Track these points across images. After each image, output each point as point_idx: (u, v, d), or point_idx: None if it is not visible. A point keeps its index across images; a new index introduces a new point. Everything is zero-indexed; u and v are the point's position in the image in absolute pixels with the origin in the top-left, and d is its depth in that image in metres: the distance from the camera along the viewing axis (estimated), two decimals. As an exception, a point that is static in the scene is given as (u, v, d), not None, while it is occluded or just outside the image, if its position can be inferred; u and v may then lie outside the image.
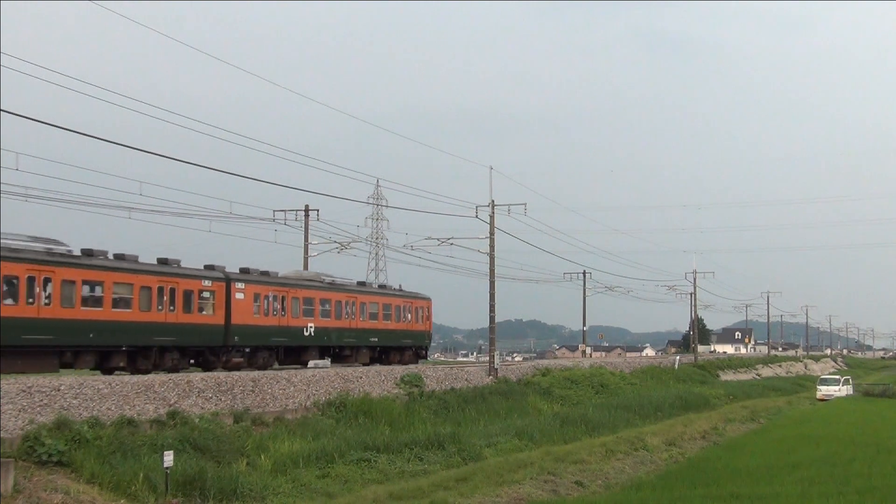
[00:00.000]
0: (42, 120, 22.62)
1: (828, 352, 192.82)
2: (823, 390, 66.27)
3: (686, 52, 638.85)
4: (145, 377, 26.26)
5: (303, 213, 47.99)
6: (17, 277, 25.75)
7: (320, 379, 32.30)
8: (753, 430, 40.20)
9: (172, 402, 25.38)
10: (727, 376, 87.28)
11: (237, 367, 33.88)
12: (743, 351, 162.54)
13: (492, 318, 47.27)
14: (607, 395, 50.21)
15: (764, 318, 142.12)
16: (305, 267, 47.10)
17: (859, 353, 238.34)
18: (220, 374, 28.90)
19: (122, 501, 19.48)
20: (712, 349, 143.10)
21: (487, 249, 46.50)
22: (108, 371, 29.56)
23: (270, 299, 36.10)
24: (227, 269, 34.95)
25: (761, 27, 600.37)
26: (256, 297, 35.34)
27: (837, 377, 74.13)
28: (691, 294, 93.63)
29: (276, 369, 34.88)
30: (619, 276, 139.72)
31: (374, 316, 43.49)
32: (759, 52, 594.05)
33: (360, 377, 34.66)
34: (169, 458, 20.18)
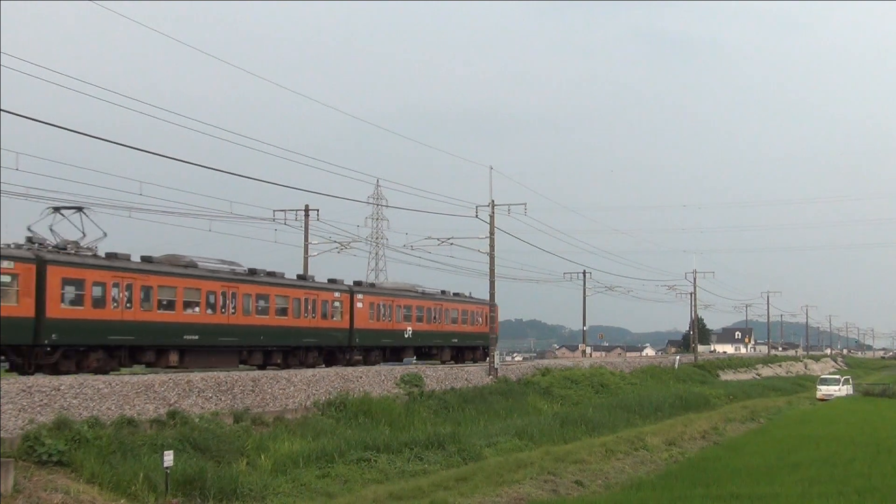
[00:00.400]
0: (42, 120, 22.63)
1: (828, 352, 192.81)
2: (823, 390, 66.28)
3: (686, 52, 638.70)
4: (145, 377, 26.28)
5: (303, 212, 47.99)
6: (214, 293, 32.62)
7: (320, 379, 32.31)
8: (753, 430, 40.20)
9: (172, 401, 25.38)
10: (727, 376, 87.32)
11: (356, 364, 40.88)
12: (743, 351, 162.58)
13: (492, 318, 47.29)
14: (607, 394, 50.23)
15: (764, 318, 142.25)
16: (305, 267, 47.15)
17: (859, 353, 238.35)
18: (220, 374, 28.91)
19: (122, 501, 19.48)
20: (712, 349, 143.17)
21: (487, 249, 46.51)
22: (263, 367, 35.31)
23: (381, 307, 43.67)
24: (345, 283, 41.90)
25: (761, 27, 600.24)
26: (371, 305, 42.64)
27: (837, 377, 74.14)
28: (691, 294, 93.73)
29: (275, 369, 34.88)
30: (619, 276, 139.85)
31: (454, 320, 50.93)
32: (759, 52, 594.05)
33: (360, 377, 34.67)
34: (169, 457, 20.18)
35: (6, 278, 25.51)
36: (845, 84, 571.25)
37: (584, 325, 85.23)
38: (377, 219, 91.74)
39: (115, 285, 28.59)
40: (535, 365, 52.07)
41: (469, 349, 52.17)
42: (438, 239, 48.20)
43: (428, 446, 27.85)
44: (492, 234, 46.27)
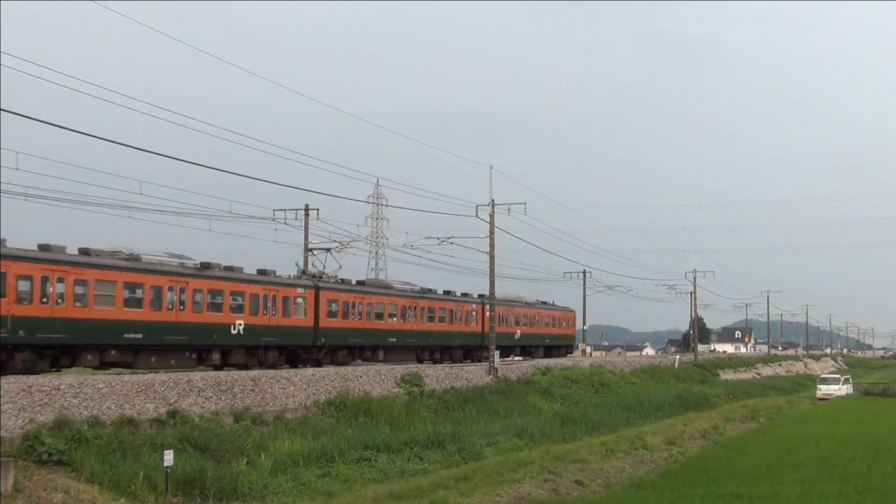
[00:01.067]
0: (42, 119, 22.62)
1: (828, 351, 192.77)
2: (823, 389, 66.28)
3: (686, 52, 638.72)
4: (145, 376, 26.27)
5: (303, 212, 47.96)
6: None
7: (320, 378, 32.30)
8: (753, 430, 40.20)
9: (172, 401, 25.38)
10: (727, 375, 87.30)
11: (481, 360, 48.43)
12: (743, 350, 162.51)
13: (492, 318, 47.28)
14: (607, 394, 50.21)
15: (764, 318, 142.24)
16: (305, 266, 47.13)
17: (859, 353, 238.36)
18: (220, 374, 28.91)
19: (122, 501, 19.48)
20: (712, 348, 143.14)
21: (487, 249, 46.50)
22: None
23: (510, 318, 56.15)
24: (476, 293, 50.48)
25: (761, 27, 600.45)
26: (503, 315, 54.02)
27: (837, 376, 74.14)
28: (691, 293, 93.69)
29: (279, 369, 34.87)
30: (619, 276, 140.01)
31: (547, 324, 64.01)
32: (759, 52, 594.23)
33: (360, 376, 34.66)
34: (169, 457, 20.18)
35: None
36: (845, 84, 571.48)
37: (584, 324, 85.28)
38: (377, 218, 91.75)
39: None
40: (535, 364, 52.10)
41: (556, 348, 65.90)
42: (438, 238, 48.14)
43: (428, 446, 27.85)
44: (492, 233, 46.25)
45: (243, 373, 30.26)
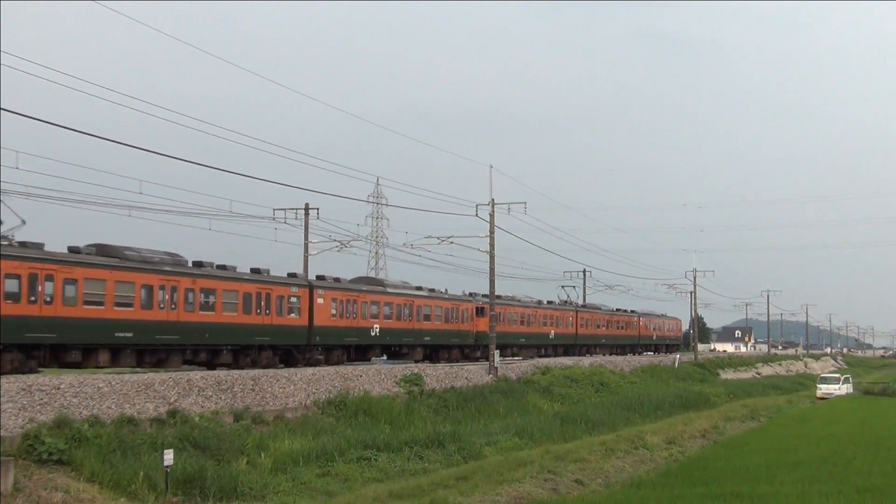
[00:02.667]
0: (42, 119, 22.63)
1: (828, 350, 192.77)
2: (823, 389, 66.27)
3: (686, 52, 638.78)
4: (145, 376, 26.27)
5: (303, 211, 47.96)
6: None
7: (320, 378, 32.31)
8: (753, 429, 40.18)
9: (172, 400, 25.38)
10: (727, 375, 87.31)
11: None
12: (743, 349, 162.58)
13: (492, 317, 47.27)
14: (607, 393, 50.20)
15: (764, 317, 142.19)
16: (305, 265, 47.15)
17: (859, 352, 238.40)
18: (220, 373, 28.91)
19: (122, 500, 19.48)
20: (712, 348, 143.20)
21: (487, 248, 46.49)
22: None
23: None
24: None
25: (761, 27, 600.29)
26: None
27: (837, 376, 74.14)
28: (691, 293, 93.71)
29: (277, 368, 34.85)
30: (619, 275, 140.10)
31: (657, 328, 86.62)
32: (759, 52, 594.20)
33: (360, 376, 34.67)
34: (169, 456, 20.18)
35: None
36: (845, 84, 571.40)
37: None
38: (377, 217, 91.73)
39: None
40: (535, 364, 52.10)
41: (664, 346, 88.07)
42: (438, 238, 48.17)
43: (428, 445, 27.85)
44: (492, 232, 46.25)
45: (243, 372, 30.27)
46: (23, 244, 26.31)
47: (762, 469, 24.41)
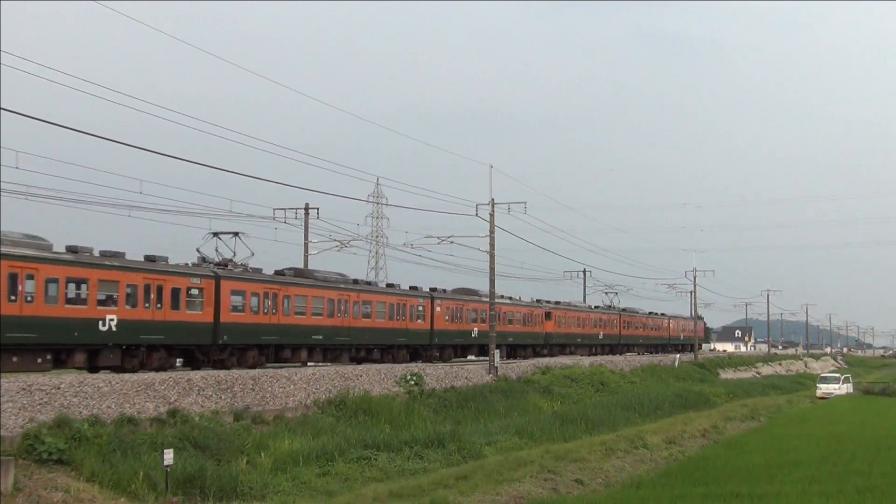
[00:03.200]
0: (42, 118, 22.63)
1: (828, 350, 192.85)
2: (823, 389, 66.30)
3: (686, 52, 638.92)
4: (145, 375, 26.28)
5: (303, 211, 47.97)
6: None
7: (320, 377, 32.31)
8: (753, 429, 40.21)
9: (172, 400, 25.38)
10: (727, 375, 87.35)
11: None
12: (743, 349, 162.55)
13: (492, 317, 47.29)
14: (607, 393, 50.20)
15: (764, 317, 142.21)
16: (306, 265, 47.15)
17: (859, 352, 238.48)
18: (221, 373, 28.91)
19: (122, 500, 19.49)
20: (712, 347, 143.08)
21: (487, 248, 46.50)
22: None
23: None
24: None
25: (761, 27, 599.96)
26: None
27: (837, 375, 74.18)
28: (691, 292, 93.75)
29: (271, 367, 34.86)
30: (619, 275, 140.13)
31: (682, 329, 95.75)
32: (759, 52, 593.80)
33: (360, 375, 34.67)
34: (169, 456, 20.18)
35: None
36: (845, 84, 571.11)
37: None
38: (377, 217, 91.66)
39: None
40: (535, 363, 52.11)
41: (689, 345, 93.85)
42: (438, 237, 48.19)
43: (428, 445, 27.84)
44: (492, 232, 46.25)
45: (243, 372, 30.27)
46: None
47: (762, 469, 24.42)
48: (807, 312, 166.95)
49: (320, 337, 38.35)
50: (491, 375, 44.62)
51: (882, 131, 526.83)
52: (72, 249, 28.08)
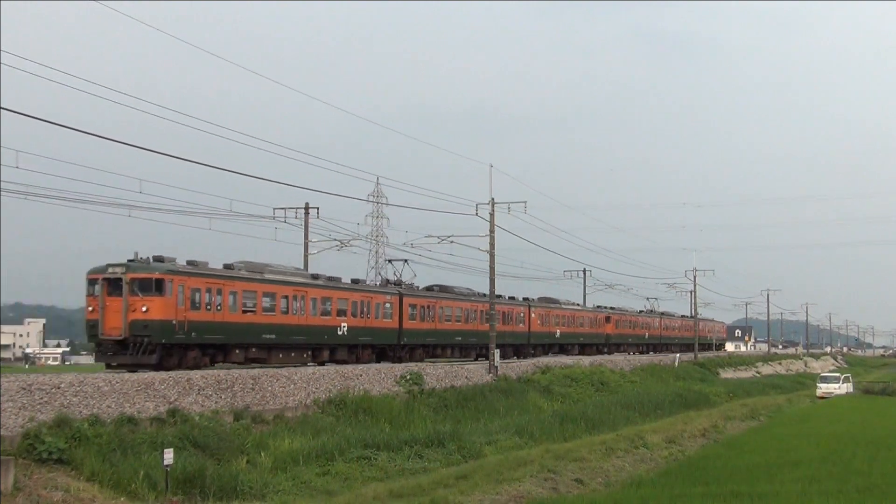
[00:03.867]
0: (42, 118, 22.62)
1: (828, 350, 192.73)
2: (823, 388, 66.27)
3: (686, 52, 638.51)
4: (145, 375, 26.28)
5: (303, 210, 47.95)
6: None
7: (320, 377, 32.31)
8: (753, 428, 40.21)
9: (172, 399, 25.38)
10: (727, 374, 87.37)
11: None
12: (743, 349, 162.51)
13: (492, 317, 47.29)
14: (607, 392, 50.21)
15: (764, 316, 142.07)
16: (306, 265, 47.15)
17: (859, 351, 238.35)
18: (221, 372, 28.91)
19: (122, 499, 19.49)
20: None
21: (487, 247, 46.49)
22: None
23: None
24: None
25: (761, 27, 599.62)
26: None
27: (837, 375, 74.14)
28: (691, 292, 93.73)
29: (273, 367, 34.86)
30: (619, 274, 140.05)
31: (710, 332, 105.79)
32: (759, 52, 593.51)
33: (360, 375, 34.67)
34: (169, 455, 20.18)
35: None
36: (845, 84, 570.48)
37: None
38: (377, 217, 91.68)
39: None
40: (535, 363, 52.13)
41: (709, 345, 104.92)
42: (438, 237, 48.18)
43: (428, 444, 27.84)
44: (492, 232, 46.23)
45: (243, 371, 30.28)
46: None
47: (762, 468, 24.41)
48: (807, 312, 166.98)
49: (459, 338, 50.00)
50: (491, 375, 44.61)
51: (882, 131, 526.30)
52: (315, 276, 39.71)
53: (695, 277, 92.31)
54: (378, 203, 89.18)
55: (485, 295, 49.81)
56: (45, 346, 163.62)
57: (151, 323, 29.40)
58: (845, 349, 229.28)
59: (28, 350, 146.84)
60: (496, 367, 45.35)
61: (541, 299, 63.73)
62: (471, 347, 51.20)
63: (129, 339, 29.27)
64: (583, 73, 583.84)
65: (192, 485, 20.67)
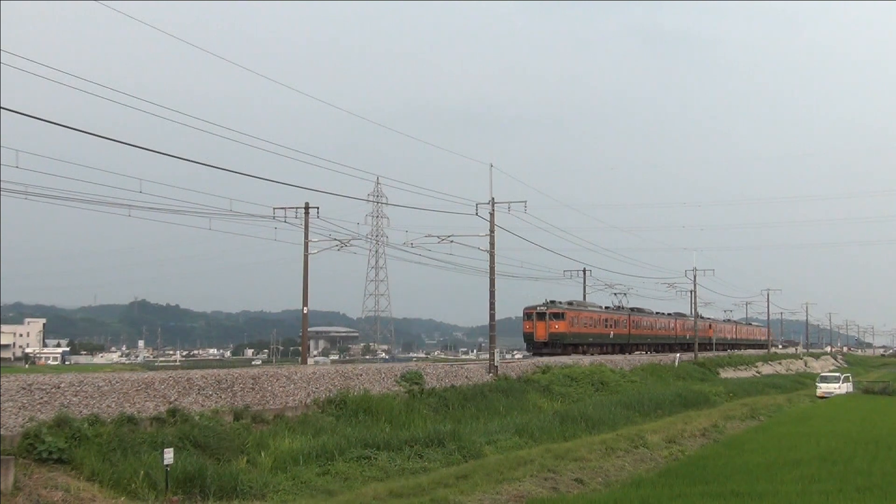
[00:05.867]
0: (42, 117, 22.62)
1: (828, 349, 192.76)
2: (823, 388, 66.28)
3: (685, 51, 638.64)
4: (145, 375, 26.28)
5: (303, 210, 47.97)
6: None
7: (321, 376, 32.32)
8: (753, 428, 40.17)
9: (172, 399, 25.39)
10: (727, 374, 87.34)
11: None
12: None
13: (492, 316, 47.30)
14: (607, 392, 50.21)
15: (764, 316, 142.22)
16: (305, 265, 47.19)
17: (859, 351, 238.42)
18: (220, 372, 28.92)
19: (122, 499, 19.48)
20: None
21: (487, 247, 46.50)
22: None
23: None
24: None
25: (761, 27, 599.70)
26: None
27: (837, 374, 74.16)
28: (691, 291, 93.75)
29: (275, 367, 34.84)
30: (619, 274, 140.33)
31: (752, 334, 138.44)
32: (759, 52, 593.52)
33: (360, 374, 34.69)
34: (169, 455, 20.19)
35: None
36: (845, 84, 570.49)
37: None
38: (377, 216, 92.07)
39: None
40: (535, 363, 52.14)
41: (752, 345, 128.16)
42: (438, 236, 48.24)
43: (428, 444, 27.83)
44: (492, 231, 46.26)
45: (243, 371, 30.31)
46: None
47: (762, 468, 24.40)
48: (807, 311, 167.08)
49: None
50: (491, 374, 44.62)
51: (881, 131, 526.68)
52: (607, 308, 72.98)
53: (695, 277, 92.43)
54: (378, 203, 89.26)
55: (654, 312, 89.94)
56: (45, 346, 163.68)
57: (559, 334, 65.83)
58: (845, 349, 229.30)
59: (28, 350, 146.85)
60: (496, 366, 45.36)
61: (673, 314, 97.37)
62: (658, 346, 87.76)
63: (548, 341, 65.58)
64: (583, 72, 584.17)
65: (192, 484, 20.66)
